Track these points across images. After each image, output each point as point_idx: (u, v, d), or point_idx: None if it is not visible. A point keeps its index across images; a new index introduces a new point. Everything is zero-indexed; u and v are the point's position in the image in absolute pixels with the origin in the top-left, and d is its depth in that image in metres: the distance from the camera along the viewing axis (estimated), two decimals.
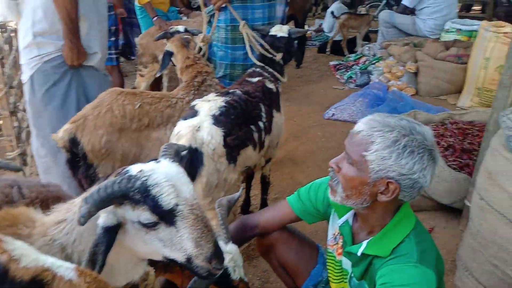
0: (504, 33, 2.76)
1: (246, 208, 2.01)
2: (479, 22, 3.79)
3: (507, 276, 1.23)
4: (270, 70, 1.70)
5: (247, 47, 1.77)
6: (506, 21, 4.88)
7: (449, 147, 1.74)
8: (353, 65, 4.08)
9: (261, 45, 1.76)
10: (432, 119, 1.99)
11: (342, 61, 4.40)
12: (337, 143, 2.60)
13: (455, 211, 1.70)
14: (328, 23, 5.74)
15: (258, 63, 1.71)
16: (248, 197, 2.00)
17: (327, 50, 5.09)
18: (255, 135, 1.49)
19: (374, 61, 3.81)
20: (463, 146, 1.74)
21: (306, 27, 6.68)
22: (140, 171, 0.71)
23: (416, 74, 3.49)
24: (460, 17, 6.24)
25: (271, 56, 1.72)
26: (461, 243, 1.49)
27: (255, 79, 1.62)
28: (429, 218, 1.75)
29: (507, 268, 1.22)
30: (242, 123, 1.43)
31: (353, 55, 4.36)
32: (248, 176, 1.93)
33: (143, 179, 0.69)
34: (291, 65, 4.74)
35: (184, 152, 1.25)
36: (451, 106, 3.20)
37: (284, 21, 3.19)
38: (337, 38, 5.09)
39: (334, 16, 4.95)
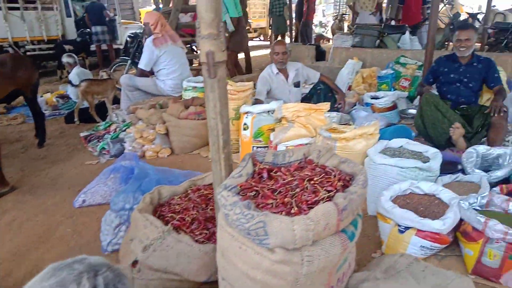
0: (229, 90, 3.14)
1: None
2: None
3: None
4: None
5: None
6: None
7: (194, 220, 1.72)
8: (104, 134, 3.80)
9: None
10: (177, 191, 1.96)
11: (93, 130, 4.06)
12: (93, 237, 2.25)
13: (216, 283, 1.67)
14: (72, 90, 5.30)
15: None
16: None
17: (75, 120, 4.63)
18: None
19: (125, 128, 3.67)
20: (206, 215, 1.76)
21: (48, 94, 5.99)
22: None
23: (167, 134, 3.57)
24: (198, 70, 7.02)
25: None
26: None
27: None
28: None
29: None
30: None
31: (103, 123, 4.09)
32: None
33: None
34: (33, 144, 4.04)
35: None
36: (204, 158, 3.41)
37: None
38: (86, 104, 4.72)
39: (73, 85, 4.57)
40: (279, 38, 10.14)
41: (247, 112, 3.03)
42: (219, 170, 1.43)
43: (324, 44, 11.88)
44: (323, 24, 16.41)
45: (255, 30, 14.40)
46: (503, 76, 3.75)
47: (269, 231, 1.13)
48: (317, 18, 17.33)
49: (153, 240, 1.59)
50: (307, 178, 1.36)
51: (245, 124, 3.03)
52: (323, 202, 1.25)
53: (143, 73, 4.21)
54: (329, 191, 1.31)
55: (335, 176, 1.38)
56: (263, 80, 3.62)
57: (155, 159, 3.41)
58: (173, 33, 4.22)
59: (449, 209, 1.86)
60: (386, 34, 5.30)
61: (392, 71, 4.40)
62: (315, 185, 1.33)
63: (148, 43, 4.07)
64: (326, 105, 2.84)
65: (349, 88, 4.75)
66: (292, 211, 1.23)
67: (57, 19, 8.90)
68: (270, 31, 13.97)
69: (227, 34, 4.98)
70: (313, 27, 14.63)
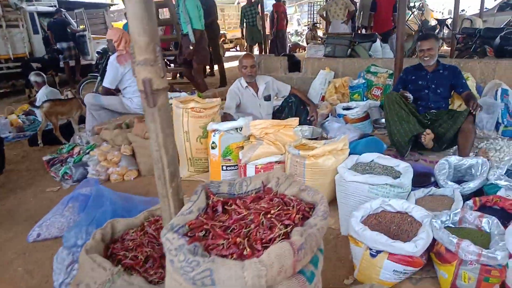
0: (192, 108, 3.01)
1: None
2: (179, 94, 4.14)
3: None
4: None
5: None
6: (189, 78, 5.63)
7: (148, 258, 1.57)
8: (67, 157, 3.60)
9: None
10: (132, 224, 1.80)
11: (57, 153, 3.85)
12: (45, 277, 2.06)
13: None
14: (38, 111, 5.06)
15: None
16: None
17: (39, 142, 4.40)
18: None
19: (88, 150, 3.49)
20: (162, 251, 1.61)
21: (13, 116, 5.73)
22: None
23: (134, 155, 3.41)
24: (172, 84, 6.86)
25: None
26: None
27: None
28: None
29: None
30: None
31: (67, 145, 3.89)
32: None
33: None
34: None
35: None
36: None
37: None
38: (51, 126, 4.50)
39: (34, 106, 4.36)
40: (256, 48, 10.13)
41: (214, 130, 2.90)
42: (167, 206, 1.30)
43: (301, 52, 11.94)
44: (299, 33, 16.56)
45: (230, 41, 14.35)
46: (471, 82, 3.77)
47: (216, 279, 1.00)
48: (293, 27, 17.52)
49: (100, 284, 1.44)
50: (263, 212, 1.24)
51: (213, 142, 2.90)
52: (279, 239, 1.14)
53: (108, 92, 4.04)
54: (286, 226, 1.20)
55: (293, 207, 1.27)
56: (232, 94, 3.51)
57: (121, 182, 3.23)
58: None
59: (421, 228, 1.77)
60: (357, 43, 5.30)
61: (363, 81, 4.37)
62: (272, 219, 1.21)
63: (112, 60, 3.91)
64: (295, 121, 2.75)
65: (323, 99, 4.69)
66: (245, 252, 1.10)
67: (23, 36, 8.64)
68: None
69: (191, 47, 4.85)
70: (289, 36, 14.75)
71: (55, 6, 10.37)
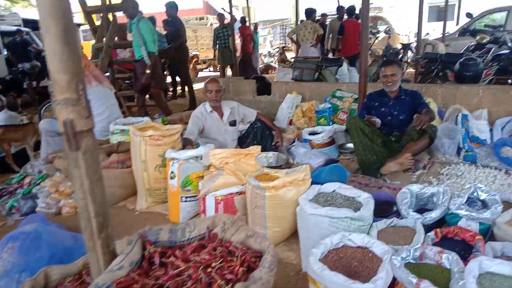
0: (149, 136, 2.87)
1: None
2: (142, 119, 3.99)
3: None
4: None
5: None
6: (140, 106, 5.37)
7: None
8: (17, 188, 3.35)
9: None
10: (69, 271, 1.63)
11: (7, 184, 3.58)
12: None
13: None
14: None
15: None
16: None
17: None
18: None
19: (39, 181, 3.26)
20: None
21: None
22: None
23: None
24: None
25: None
26: None
27: None
28: None
29: None
30: None
31: (17, 174, 3.63)
32: None
33: None
34: None
35: None
36: (130, 211, 3.07)
37: None
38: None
39: None
40: (228, 69, 10.14)
41: (173, 159, 2.77)
42: (96, 260, 1.16)
43: (273, 74, 12.04)
44: (272, 54, 16.78)
45: (204, 62, 14.33)
46: (433, 107, 3.83)
47: None
48: (266, 49, 17.76)
49: None
50: (203, 266, 1.12)
51: (172, 172, 2.76)
52: None
53: None
54: (228, 281, 1.08)
55: (238, 258, 1.16)
56: (195, 119, 3.40)
57: (73, 216, 3.01)
58: (98, 73, 3.91)
59: (381, 266, 1.69)
60: (324, 67, 5.35)
61: (329, 105, 4.37)
62: (212, 273, 1.10)
63: None
64: (257, 149, 2.66)
65: (290, 123, 4.66)
66: None
67: None
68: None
69: (148, 71, 4.71)
70: (262, 57, 14.91)
71: (20, 25, 10.04)
